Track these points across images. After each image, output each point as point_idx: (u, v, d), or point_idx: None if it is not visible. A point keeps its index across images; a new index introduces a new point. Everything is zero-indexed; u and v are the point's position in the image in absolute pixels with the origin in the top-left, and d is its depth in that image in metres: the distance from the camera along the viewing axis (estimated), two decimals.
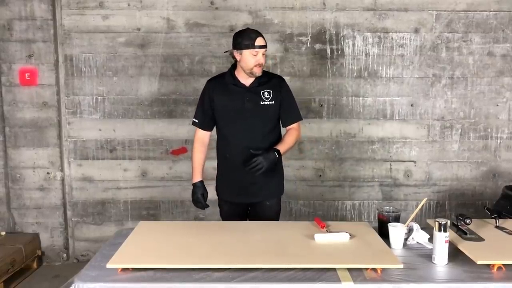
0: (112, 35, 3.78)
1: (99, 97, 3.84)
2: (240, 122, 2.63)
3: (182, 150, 3.90)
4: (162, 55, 3.80)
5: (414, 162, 3.92)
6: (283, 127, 2.76)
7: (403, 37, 3.80)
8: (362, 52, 3.81)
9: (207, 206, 2.74)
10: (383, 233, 2.25)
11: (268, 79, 2.67)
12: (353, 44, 3.80)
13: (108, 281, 1.84)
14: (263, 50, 2.55)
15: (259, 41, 2.53)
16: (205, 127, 2.77)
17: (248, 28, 2.65)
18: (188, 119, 3.84)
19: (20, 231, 3.91)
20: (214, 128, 2.80)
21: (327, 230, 2.27)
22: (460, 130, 3.89)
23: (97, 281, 1.84)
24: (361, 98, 3.85)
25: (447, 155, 3.92)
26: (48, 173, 3.87)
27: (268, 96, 2.63)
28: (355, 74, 3.82)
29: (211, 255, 2.00)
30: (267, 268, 1.90)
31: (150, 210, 3.94)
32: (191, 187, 3.88)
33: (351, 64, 3.82)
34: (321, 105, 3.85)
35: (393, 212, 2.34)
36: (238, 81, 2.64)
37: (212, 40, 3.78)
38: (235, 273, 1.87)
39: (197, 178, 2.78)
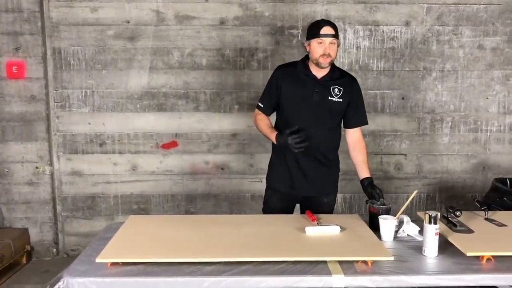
0: (101, 27, 3.74)
1: (88, 91, 3.80)
2: (305, 112, 2.57)
3: (172, 144, 3.87)
4: (152, 48, 3.76)
5: (405, 155, 3.93)
6: (345, 127, 2.71)
7: (394, 30, 3.80)
8: (353, 45, 3.81)
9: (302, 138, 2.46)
10: (374, 226, 2.26)
11: (341, 76, 2.63)
12: (344, 37, 3.79)
13: (97, 275, 1.82)
14: (329, 39, 2.46)
15: (325, 30, 2.46)
16: (268, 112, 2.71)
17: (318, 20, 2.62)
18: (179, 112, 3.83)
19: (9, 226, 3.87)
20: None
21: (318, 223, 2.27)
22: (450, 123, 3.90)
23: (86, 275, 1.82)
24: None
25: (438, 148, 3.93)
26: (37, 167, 3.83)
27: (338, 93, 2.57)
28: (346, 67, 3.81)
29: (202, 249, 1.99)
30: (258, 261, 1.90)
31: (141, 205, 3.92)
32: (182, 181, 3.90)
33: (342, 57, 3.81)
34: None
35: (383, 204, 2.34)
36: (310, 72, 2.58)
37: (202, 33, 3.75)
38: (226, 266, 1.86)
39: (275, 133, 2.56)
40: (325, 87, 2.57)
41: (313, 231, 2.16)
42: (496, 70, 3.85)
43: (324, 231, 2.17)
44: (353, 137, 2.71)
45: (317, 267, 1.86)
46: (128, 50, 3.76)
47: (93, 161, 3.87)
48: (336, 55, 2.55)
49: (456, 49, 3.82)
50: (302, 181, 2.64)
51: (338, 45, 2.56)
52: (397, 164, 3.94)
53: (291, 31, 3.77)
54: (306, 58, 2.63)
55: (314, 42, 2.49)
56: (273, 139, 2.56)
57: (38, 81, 3.74)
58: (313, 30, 2.50)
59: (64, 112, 3.82)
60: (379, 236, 2.16)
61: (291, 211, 2.74)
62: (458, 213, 2.27)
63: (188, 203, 3.93)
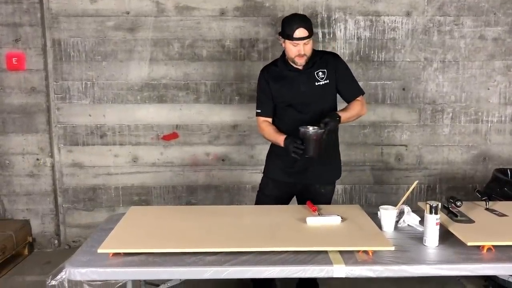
0: (100, 19, 3.72)
1: (89, 82, 3.79)
2: (297, 105, 2.59)
3: (173, 135, 3.87)
4: (152, 39, 3.75)
5: (405, 146, 3.93)
6: (346, 102, 2.71)
7: (395, 21, 3.78)
8: (354, 35, 3.79)
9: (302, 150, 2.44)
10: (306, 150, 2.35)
11: (321, 57, 2.62)
12: (345, 28, 3.77)
13: (99, 266, 1.83)
14: (303, 41, 2.46)
15: (298, 33, 2.44)
16: (269, 115, 2.70)
17: (294, 15, 2.57)
18: (179, 104, 3.82)
19: (10, 218, 3.88)
20: None
21: (318, 214, 2.27)
22: (451, 114, 3.90)
23: (88, 266, 1.83)
24: None
25: (438, 138, 3.93)
26: (37, 159, 3.83)
27: (323, 76, 2.58)
28: (347, 58, 3.80)
29: (203, 239, 2.00)
30: (259, 251, 1.90)
31: (142, 196, 3.93)
32: (183, 173, 3.91)
33: (343, 48, 3.80)
34: None
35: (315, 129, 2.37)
36: (291, 65, 2.59)
37: (202, 24, 3.73)
38: (227, 256, 1.87)
39: (283, 137, 2.53)
40: (309, 75, 2.58)
41: (314, 221, 2.17)
42: (497, 60, 3.83)
43: (325, 221, 2.17)
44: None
45: (318, 257, 1.87)
46: (128, 41, 3.75)
47: (94, 153, 3.87)
48: (312, 50, 2.54)
49: (457, 40, 3.81)
50: (299, 169, 2.64)
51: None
52: (397, 155, 3.94)
53: None
54: (284, 53, 2.63)
55: (288, 43, 2.49)
56: (282, 143, 2.53)
57: (38, 72, 3.73)
58: (287, 30, 2.47)
59: (64, 103, 3.81)
60: (380, 226, 2.17)
61: (286, 202, 2.74)
62: (458, 203, 2.28)
63: (189, 194, 3.93)
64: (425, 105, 3.88)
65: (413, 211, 2.26)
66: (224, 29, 3.74)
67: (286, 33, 2.48)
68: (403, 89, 3.86)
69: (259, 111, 2.71)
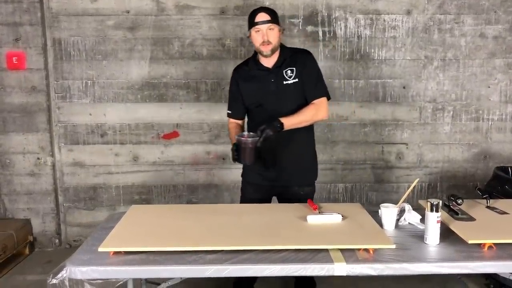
0: (101, 18, 3.72)
1: (89, 81, 3.79)
2: (267, 105, 2.57)
3: (173, 134, 3.87)
4: (152, 38, 3.75)
5: (406, 144, 3.93)
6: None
7: (395, 19, 3.78)
8: (354, 34, 3.79)
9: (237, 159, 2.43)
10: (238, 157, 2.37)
11: (292, 55, 2.57)
12: (345, 26, 3.77)
13: (100, 264, 1.83)
14: (266, 25, 2.44)
15: (260, 17, 2.44)
16: (239, 116, 2.72)
17: (258, 7, 2.58)
18: (180, 102, 3.82)
19: (11, 217, 3.89)
20: None
21: (319, 212, 2.27)
22: (451, 112, 3.89)
23: (89, 264, 1.83)
24: (353, 81, 3.83)
25: (439, 137, 3.93)
26: (38, 158, 3.83)
27: (291, 74, 2.54)
28: (347, 56, 3.80)
29: (203, 238, 2.00)
30: (260, 249, 1.90)
31: (142, 195, 3.93)
32: (184, 172, 3.91)
33: (343, 47, 3.80)
34: None
35: (251, 137, 2.35)
36: (261, 64, 2.58)
37: (202, 23, 3.73)
38: (228, 255, 1.87)
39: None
40: (278, 74, 2.55)
41: (315, 219, 2.17)
42: (498, 58, 3.83)
43: (325, 220, 2.17)
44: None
45: (319, 255, 1.87)
46: (128, 40, 3.75)
47: (95, 152, 3.87)
48: (279, 40, 2.52)
49: (457, 38, 3.80)
50: (275, 172, 2.62)
51: (282, 31, 2.55)
52: (398, 154, 3.94)
53: (292, 20, 3.75)
54: (256, 52, 2.61)
55: (253, 31, 2.48)
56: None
57: (39, 72, 3.73)
58: (250, 19, 2.49)
59: (65, 103, 3.81)
60: (380, 224, 2.16)
61: (268, 202, 2.72)
62: (459, 201, 2.27)
63: (190, 193, 3.93)
64: (425, 103, 3.88)
65: (413, 209, 2.26)
66: (225, 28, 3.74)
67: (250, 21, 2.48)
68: (404, 87, 3.85)
69: (229, 112, 2.73)
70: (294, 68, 2.54)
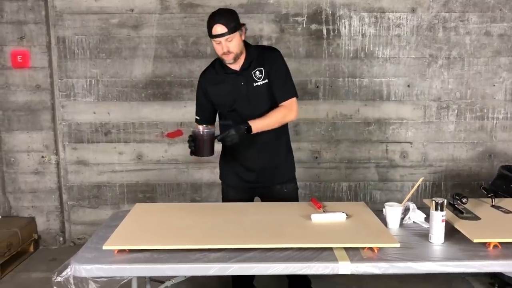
0: (105, 16, 3.72)
1: (93, 80, 3.80)
2: (240, 109, 2.50)
3: (177, 133, 3.82)
4: (156, 37, 3.75)
5: (410, 143, 3.92)
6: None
7: (399, 17, 3.76)
8: (359, 32, 3.78)
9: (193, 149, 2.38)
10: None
11: (259, 54, 2.47)
12: (350, 25, 3.76)
13: (104, 262, 1.83)
14: (223, 38, 2.32)
15: (215, 30, 2.32)
16: (208, 122, 2.60)
17: (214, 12, 2.41)
18: (183, 101, 3.82)
19: (16, 215, 3.90)
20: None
21: (323, 211, 2.26)
22: (456, 111, 3.88)
23: (93, 262, 1.83)
24: (357, 79, 3.82)
25: (443, 136, 3.91)
26: (42, 156, 3.84)
27: (260, 75, 2.45)
28: (351, 54, 3.79)
29: (207, 236, 2.00)
30: (263, 248, 1.90)
31: (146, 193, 3.93)
32: (187, 170, 3.91)
33: (348, 45, 3.78)
34: (317, 87, 3.82)
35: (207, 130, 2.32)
36: (228, 67, 2.47)
37: (206, 21, 3.72)
38: (232, 253, 1.87)
39: None
40: (247, 75, 2.46)
41: (319, 218, 2.16)
42: (503, 57, 3.81)
43: (330, 218, 2.17)
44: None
45: (323, 254, 1.86)
46: (132, 38, 3.75)
47: (99, 150, 3.88)
48: (241, 45, 2.40)
49: (462, 36, 3.78)
50: (252, 173, 2.59)
51: (245, 31, 2.43)
52: (402, 152, 3.93)
53: (296, 18, 3.74)
54: None
55: (212, 41, 2.38)
56: None
57: (43, 70, 3.74)
58: (208, 29, 2.36)
59: (69, 101, 3.82)
60: (385, 223, 2.16)
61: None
62: (464, 200, 2.26)
63: (194, 191, 3.93)
64: (430, 101, 3.86)
65: (418, 208, 2.25)
66: None
67: (208, 31, 2.37)
68: (408, 85, 3.84)
69: (198, 118, 2.64)
70: (262, 69, 2.46)
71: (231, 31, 2.32)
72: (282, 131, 2.61)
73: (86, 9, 3.70)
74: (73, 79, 3.80)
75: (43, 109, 3.78)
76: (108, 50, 3.76)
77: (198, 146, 2.34)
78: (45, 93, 3.77)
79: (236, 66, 2.47)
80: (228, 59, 2.40)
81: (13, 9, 3.65)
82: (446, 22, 3.77)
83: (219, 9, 2.45)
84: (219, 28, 2.31)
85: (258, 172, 2.60)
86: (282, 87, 2.49)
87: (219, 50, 2.38)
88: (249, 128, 2.37)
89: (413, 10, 3.75)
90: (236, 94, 2.49)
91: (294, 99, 2.51)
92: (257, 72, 2.46)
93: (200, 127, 2.35)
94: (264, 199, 2.70)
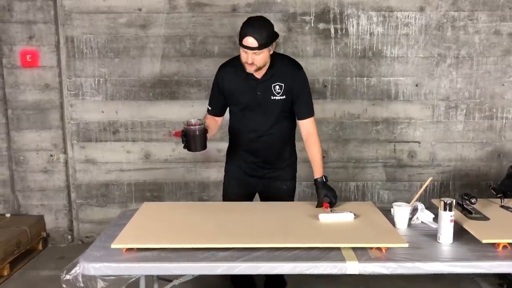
0: (113, 15, 3.74)
1: (101, 79, 3.81)
2: (251, 113, 2.54)
3: None
4: (164, 36, 3.76)
5: (419, 142, 3.90)
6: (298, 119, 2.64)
7: (408, 16, 3.74)
8: (367, 31, 3.76)
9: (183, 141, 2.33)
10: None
11: (282, 70, 2.48)
12: (357, 24, 3.75)
13: (113, 261, 1.84)
14: (251, 51, 2.31)
15: (246, 41, 2.30)
16: (218, 114, 2.65)
17: (251, 20, 2.39)
18: (191, 100, 3.83)
19: (25, 213, 3.93)
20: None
21: (331, 210, 2.26)
22: (465, 110, 3.85)
23: (102, 261, 1.84)
24: (365, 79, 3.81)
25: (452, 135, 3.89)
26: (51, 155, 3.86)
27: (280, 91, 2.47)
28: (359, 54, 3.78)
29: (215, 235, 2.00)
30: (271, 247, 1.90)
31: (154, 192, 3.94)
32: (195, 169, 3.92)
33: (355, 44, 3.77)
34: (325, 86, 3.82)
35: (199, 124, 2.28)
36: (250, 73, 2.46)
37: (214, 20, 3.73)
38: (240, 252, 1.87)
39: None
40: (266, 86, 2.47)
41: (327, 218, 2.16)
42: None
43: (338, 218, 2.16)
44: (304, 129, 2.58)
45: (331, 254, 1.86)
46: (140, 38, 3.76)
47: (107, 149, 3.90)
48: (267, 60, 2.39)
49: (471, 35, 3.76)
50: (257, 168, 2.65)
51: (275, 45, 2.41)
52: (410, 152, 3.91)
53: (304, 17, 3.74)
54: None
55: (240, 48, 2.35)
56: None
57: (52, 69, 3.76)
58: (240, 35, 2.34)
59: (77, 100, 3.84)
60: (393, 223, 2.15)
61: (250, 199, 2.74)
62: (473, 200, 2.25)
63: (201, 190, 3.94)
64: (438, 101, 3.84)
65: (426, 208, 2.24)
66: (236, 26, 3.72)
67: (239, 37, 2.34)
68: (416, 85, 3.82)
69: (209, 108, 2.64)
70: (283, 85, 2.46)
71: (261, 47, 2.31)
72: (289, 134, 2.68)
73: (95, 8, 3.72)
74: (82, 78, 3.82)
75: (52, 108, 3.81)
76: (116, 49, 3.78)
77: (189, 141, 2.31)
78: (54, 92, 3.79)
79: (258, 74, 2.46)
80: (250, 69, 2.39)
81: (22, 9, 3.67)
82: (455, 21, 3.74)
83: (256, 19, 2.40)
84: (250, 40, 2.29)
85: (262, 167, 2.64)
86: (305, 106, 2.55)
87: (244, 58, 2.36)
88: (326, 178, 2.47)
89: (421, 9, 3.73)
90: (250, 101, 2.51)
91: (313, 117, 2.58)
92: (277, 87, 2.48)
93: (192, 120, 2.31)
94: (263, 193, 2.73)
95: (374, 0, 3.72)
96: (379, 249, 1.89)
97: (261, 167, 2.66)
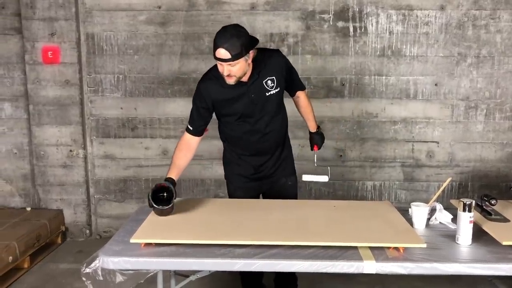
0: (133, 13, 3.77)
1: (121, 76, 3.86)
2: (247, 117, 2.45)
3: None
4: (183, 33, 3.78)
5: (437, 142, 3.86)
6: (291, 97, 2.69)
7: (428, 15, 3.70)
8: (386, 30, 3.73)
9: (152, 206, 2.17)
10: None
11: (266, 63, 2.39)
12: (377, 22, 3.72)
13: (131, 255, 1.87)
14: (225, 63, 2.19)
15: (218, 53, 2.19)
16: (199, 133, 2.51)
17: (222, 31, 2.24)
18: None
19: (44, 207, 3.99)
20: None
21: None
22: (485, 111, 3.80)
23: (121, 255, 1.87)
24: (384, 77, 3.78)
25: (471, 135, 3.84)
26: (71, 150, 3.92)
27: (273, 84, 2.41)
28: (378, 52, 3.75)
29: (233, 232, 2.01)
30: (288, 245, 1.91)
31: None
32: (212, 166, 3.93)
33: (374, 43, 3.75)
34: (343, 84, 3.80)
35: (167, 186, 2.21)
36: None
37: (233, 18, 3.74)
38: (257, 249, 1.88)
39: (169, 176, 2.39)
40: (258, 86, 2.39)
41: (307, 178, 2.50)
42: None
43: (315, 179, 2.51)
44: (300, 100, 2.69)
45: (348, 253, 1.86)
46: (159, 35, 3.79)
47: (125, 145, 3.94)
48: (245, 68, 2.27)
49: (493, 34, 3.70)
50: (260, 168, 2.61)
51: (256, 50, 2.31)
52: (429, 152, 3.87)
53: (322, 15, 3.72)
54: None
55: (216, 61, 2.25)
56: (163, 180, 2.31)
57: (72, 66, 3.81)
58: (213, 47, 2.23)
59: (97, 96, 3.89)
60: (410, 223, 2.14)
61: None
62: (493, 201, 2.22)
63: (217, 187, 3.96)
64: (458, 101, 3.80)
65: (444, 208, 2.22)
66: (254, 23, 3.74)
67: (213, 48, 2.23)
68: (436, 84, 3.78)
69: (190, 128, 2.49)
70: (274, 77, 2.40)
71: (234, 58, 2.18)
72: (285, 124, 2.66)
73: (115, 6, 3.76)
74: (101, 75, 3.86)
75: (72, 104, 3.86)
76: (135, 46, 3.81)
77: (155, 211, 2.19)
78: (74, 88, 3.84)
79: (245, 78, 2.36)
80: (229, 81, 2.28)
81: (44, 6, 3.73)
82: (476, 20, 3.69)
83: (228, 28, 2.27)
84: (222, 52, 2.18)
85: (264, 167, 2.61)
86: (299, 81, 2.66)
87: (220, 70, 2.27)
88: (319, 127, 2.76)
89: (442, 8, 3.68)
90: (245, 106, 2.42)
91: (306, 90, 2.77)
92: (269, 82, 2.41)
93: (162, 184, 2.20)
94: (269, 194, 2.69)
95: None
96: (396, 249, 1.88)
97: (267, 166, 2.61)
